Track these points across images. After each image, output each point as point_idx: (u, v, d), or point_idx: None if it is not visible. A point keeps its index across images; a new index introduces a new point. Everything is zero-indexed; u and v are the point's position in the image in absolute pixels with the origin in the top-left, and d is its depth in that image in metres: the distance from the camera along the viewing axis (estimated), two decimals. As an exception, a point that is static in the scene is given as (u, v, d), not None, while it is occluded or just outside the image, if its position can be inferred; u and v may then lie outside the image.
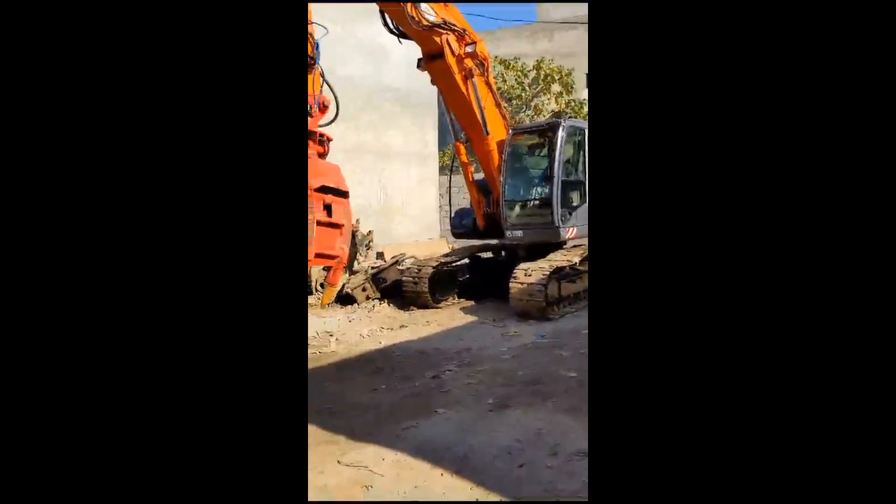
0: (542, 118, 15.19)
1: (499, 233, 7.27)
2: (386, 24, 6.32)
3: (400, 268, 7.98)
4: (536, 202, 6.88)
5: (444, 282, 7.44)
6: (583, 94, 17.46)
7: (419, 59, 6.75)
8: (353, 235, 9.85)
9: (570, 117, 7.06)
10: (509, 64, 17.18)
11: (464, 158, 7.36)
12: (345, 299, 7.65)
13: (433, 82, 6.83)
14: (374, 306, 7.35)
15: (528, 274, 6.20)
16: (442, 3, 6.25)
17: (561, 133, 6.61)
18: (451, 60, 6.40)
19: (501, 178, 7.00)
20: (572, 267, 6.72)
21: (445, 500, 2.58)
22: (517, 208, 7.06)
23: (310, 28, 3.51)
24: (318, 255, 3.33)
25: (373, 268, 8.25)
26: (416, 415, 3.58)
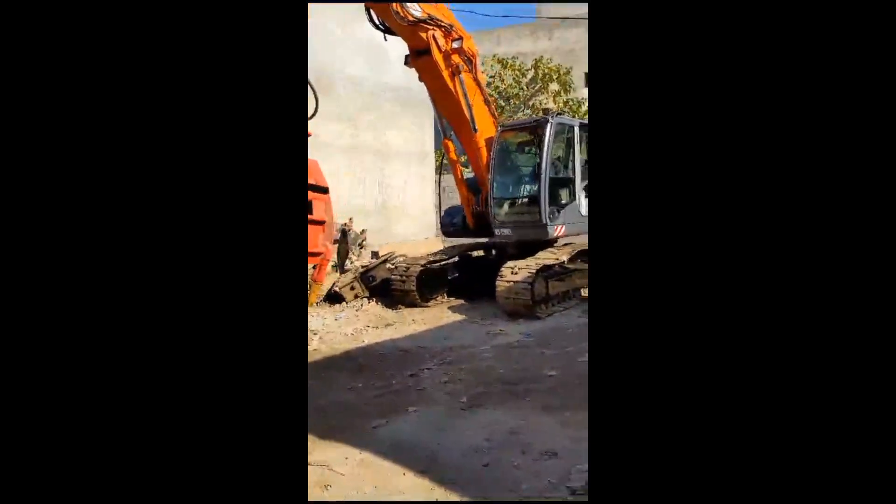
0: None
1: (488, 231, 7.21)
2: (371, 21, 6.28)
3: (389, 266, 7.92)
4: (525, 200, 6.82)
5: (432, 280, 7.38)
6: (581, 92, 17.37)
7: (406, 56, 6.70)
8: (346, 234, 9.81)
9: (558, 114, 6.99)
10: (507, 63, 17.10)
11: (453, 156, 7.31)
12: (333, 298, 7.60)
13: (420, 79, 6.77)
14: (361, 305, 7.30)
15: (515, 272, 6.14)
16: (432, 3, 6.20)
17: (549, 130, 6.54)
18: (437, 56, 6.34)
19: (490, 176, 6.93)
20: (561, 265, 6.65)
21: (407, 500, 2.52)
22: (505, 206, 7.00)
23: None
24: None
25: (363, 267, 8.19)
26: (388, 413, 3.52)
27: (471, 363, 4.61)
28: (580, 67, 17.32)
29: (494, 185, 6.96)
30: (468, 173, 7.72)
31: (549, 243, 7.16)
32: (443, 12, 6.43)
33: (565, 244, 7.30)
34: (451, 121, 7.03)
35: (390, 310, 7.10)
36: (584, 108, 15.92)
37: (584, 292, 7.11)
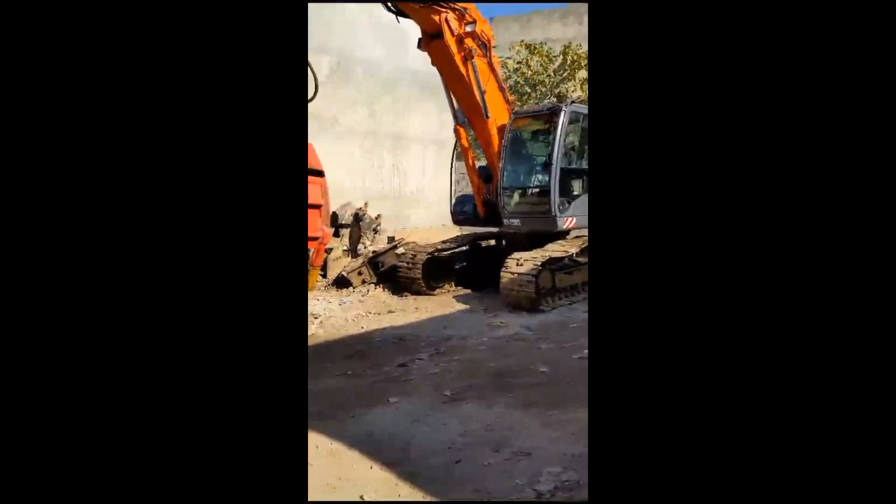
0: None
1: (499, 221, 7.08)
2: (384, 3, 6.16)
3: (398, 252, 7.88)
4: (535, 190, 6.66)
5: (440, 268, 7.32)
6: (610, 80, 16.88)
7: (419, 39, 6.57)
8: (359, 219, 9.81)
9: (573, 102, 6.78)
10: (535, 48, 16.74)
11: (465, 143, 7.17)
12: (341, 282, 7.61)
13: (433, 63, 6.64)
14: (368, 290, 7.29)
15: (520, 264, 6.02)
16: None
17: (562, 118, 6.35)
18: (449, 40, 6.20)
19: (500, 164, 6.79)
20: (570, 258, 6.50)
21: (365, 496, 2.47)
22: (516, 196, 6.86)
23: None
24: None
25: (374, 252, 8.17)
26: (371, 403, 3.49)
27: (464, 355, 4.54)
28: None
29: (505, 173, 6.82)
30: (483, 161, 7.58)
31: (560, 235, 7.00)
32: (457, -6, 6.27)
33: (577, 236, 7.13)
34: (463, 106, 6.90)
35: (396, 296, 7.07)
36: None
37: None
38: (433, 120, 13.26)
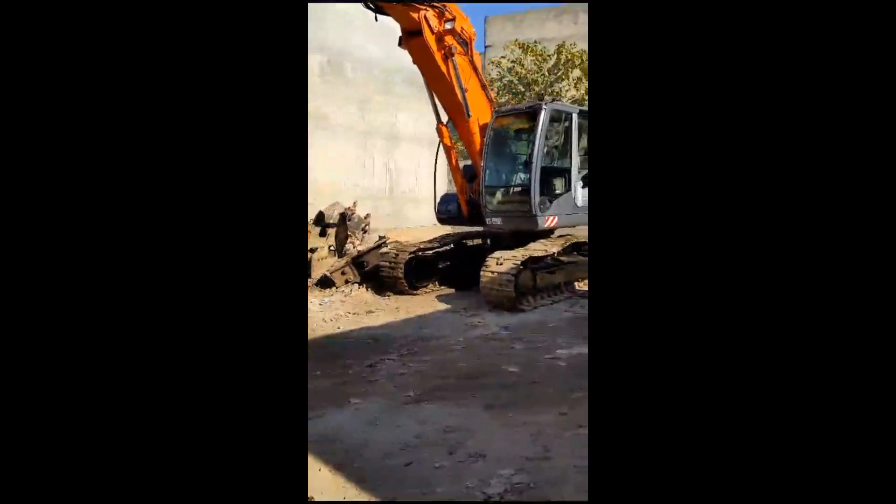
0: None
1: (482, 220, 7.03)
2: (363, 0, 6.11)
3: (382, 252, 7.82)
4: (516, 189, 6.61)
5: (424, 268, 7.27)
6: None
7: (399, 37, 6.53)
8: (345, 219, 9.77)
9: (553, 100, 6.73)
10: (528, 47, 16.69)
11: (447, 142, 7.13)
12: (325, 282, 7.56)
13: (414, 61, 6.60)
14: (351, 290, 7.24)
15: (500, 263, 5.96)
16: None
17: (543, 116, 6.29)
18: (429, 38, 6.16)
19: (482, 163, 6.74)
20: (552, 257, 6.45)
21: (311, 498, 2.43)
22: (498, 195, 6.81)
23: None
24: None
25: (358, 252, 8.12)
26: (330, 405, 3.44)
27: (436, 355, 4.49)
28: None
29: (487, 172, 6.77)
30: (467, 160, 7.53)
31: (544, 234, 6.95)
32: (436, -9, 6.22)
33: (560, 235, 7.07)
34: (445, 105, 6.85)
35: (379, 296, 7.02)
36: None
37: (578, 285, 6.89)
38: (427, 118, 13.19)
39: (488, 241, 7.64)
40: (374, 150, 12.84)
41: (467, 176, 7.28)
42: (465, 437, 2.94)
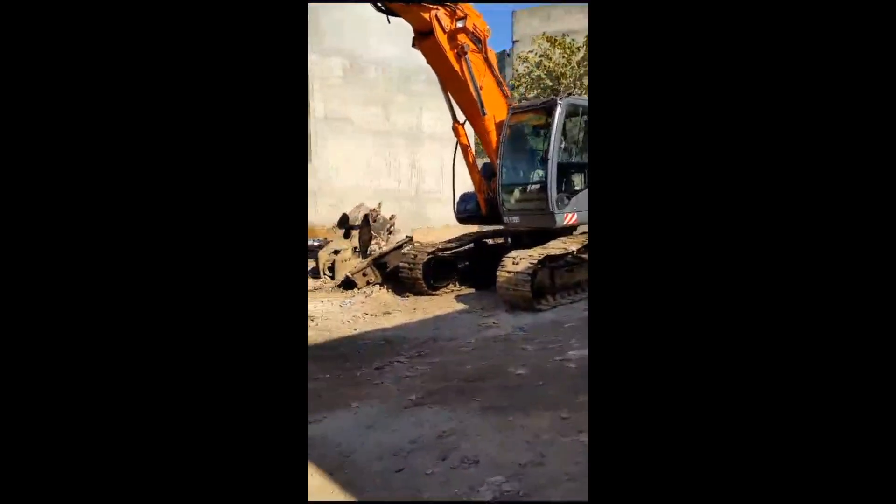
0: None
1: (501, 218, 6.96)
2: (374, 3, 6.13)
3: (403, 252, 7.84)
4: (534, 186, 6.50)
5: (443, 268, 7.25)
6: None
7: (413, 38, 6.51)
8: (372, 219, 9.83)
9: (569, 94, 6.58)
10: (556, 41, 16.41)
11: (464, 141, 7.08)
12: (347, 284, 7.64)
13: (427, 62, 6.58)
14: (372, 292, 7.29)
15: (516, 262, 5.88)
16: None
17: (558, 112, 6.17)
18: (441, 37, 6.12)
19: (499, 161, 6.66)
20: (571, 255, 6.31)
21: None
22: (516, 192, 6.71)
23: None
24: None
25: (379, 252, 8.17)
26: (332, 407, 3.46)
27: (444, 356, 4.47)
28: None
29: (503, 170, 6.69)
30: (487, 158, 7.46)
31: (564, 232, 6.81)
32: (446, -12, 6.17)
33: (582, 233, 6.92)
34: (460, 104, 6.80)
35: (398, 297, 7.05)
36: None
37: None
38: (448, 116, 13.20)
39: (509, 239, 7.56)
40: (398, 150, 12.89)
41: (486, 174, 7.22)
42: (460, 442, 2.90)
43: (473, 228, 8.21)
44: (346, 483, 2.56)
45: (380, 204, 11.01)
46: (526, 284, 5.72)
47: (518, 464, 2.64)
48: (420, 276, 6.81)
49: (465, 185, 7.66)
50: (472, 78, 6.34)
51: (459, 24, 6.14)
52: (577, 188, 6.51)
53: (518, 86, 16.55)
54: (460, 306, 6.44)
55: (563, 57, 16.49)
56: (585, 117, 6.58)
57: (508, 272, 5.88)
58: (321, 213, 11.61)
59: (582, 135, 6.66)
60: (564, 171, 6.36)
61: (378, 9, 6.14)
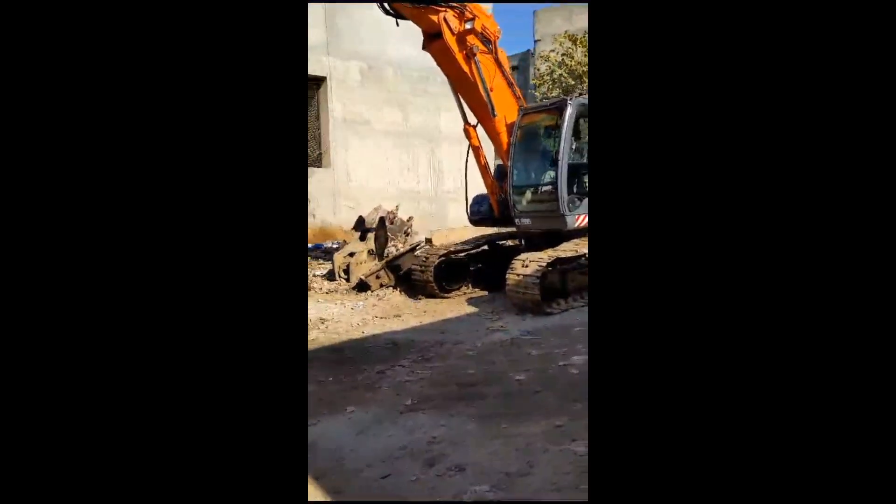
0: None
1: (512, 220, 6.90)
2: (382, 6, 6.15)
3: (416, 254, 7.85)
4: (545, 188, 6.42)
5: (456, 270, 7.23)
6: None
7: (423, 41, 6.51)
8: (390, 222, 9.86)
9: (580, 94, 6.48)
10: (577, 39, 16.21)
11: (475, 142, 7.04)
12: (361, 286, 7.68)
13: (437, 64, 6.56)
14: (385, 294, 7.31)
15: (526, 265, 5.82)
16: None
17: (569, 112, 6.08)
18: (449, 39, 6.10)
19: (510, 162, 6.61)
20: (585, 258, 6.21)
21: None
22: (527, 194, 6.64)
23: None
24: None
25: (392, 255, 8.19)
26: (329, 412, 3.47)
27: (447, 361, 4.45)
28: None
29: (514, 172, 6.63)
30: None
31: (578, 234, 6.71)
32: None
33: (596, 234, 6.80)
34: (470, 106, 6.77)
35: (411, 300, 7.05)
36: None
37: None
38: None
39: (522, 241, 7.48)
40: (417, 151, 12.90)
41: (499, 176, 7.17)
42: (450, 449, 2.88)
43: (489, 231, 8.18)
44: (331, 489, 2.56)
45: (397, 206, 11.04)
46: (535, 287, 5.65)
47: (505, 473, 2.60)
48: (431, 278, 6.80)
49: (479, 187, 7.63)
50: (482, 79, 6.31)
51: (468, 26, 6.11)
52: (588, 190, 6.41)
53: (540, 85, 16.41)
54: (471, 309, 6.41)
55: (586, 55, 16.27)
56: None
57: (518, 275, 5.82)
58: (340, 215, 11.71)
59: (595, 135, 6.55)
60: (576, 172, 6.26)
61: (386, 11, 6.16)
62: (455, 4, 6.05)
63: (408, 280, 7.48)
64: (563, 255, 5.96)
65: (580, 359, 4.28)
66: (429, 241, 10.83)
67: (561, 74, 16.47)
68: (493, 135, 6.79)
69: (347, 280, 8.35)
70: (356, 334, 5.57)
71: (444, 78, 12.72)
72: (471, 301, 6.81)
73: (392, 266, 7.79)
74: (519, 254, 6.73)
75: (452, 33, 6.09)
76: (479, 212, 7.50)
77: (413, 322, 5.94)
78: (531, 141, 6.77)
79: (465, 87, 6.58)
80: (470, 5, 6.17)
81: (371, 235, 9.42)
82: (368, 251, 8.86)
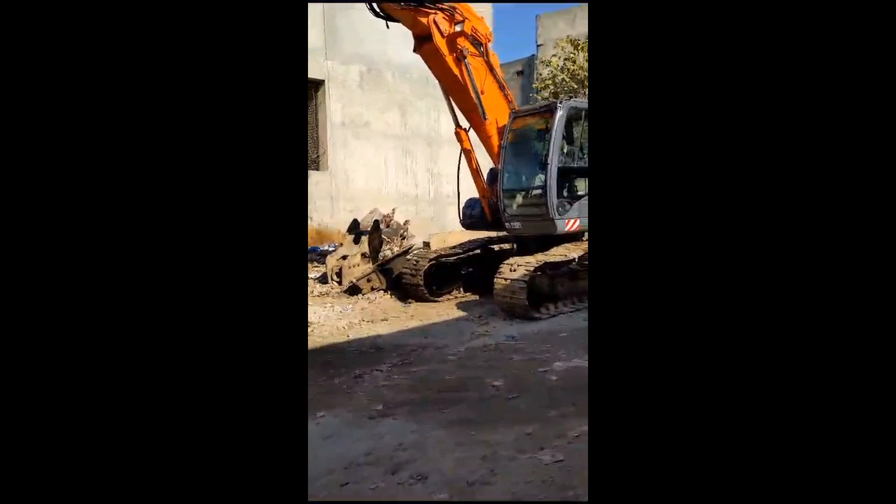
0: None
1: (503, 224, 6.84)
2: (371, 8, 6.12)
3: (407, 258, 7.80)
4: (535, 191, 6.36)
5: (447, 274, 7.17)
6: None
7: (414, 44, 6.48)
8: (385, 225, 9.82)
9: (570, 97, 6.42)
10: (579, 44, 16.15)
11: (467, 146, 7.00)
12: (352, 290, 7.64)
13: (428, 66, 6.53)
14: (376, 298, 7.26)
15: (514, 269, 5.75)
16: None
17: (558, 115, 6.02)
18: (439, 42, 6.06)
19: (500, 166, 6.55)
20: (574, 262, 6.14)
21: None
22: (517, 198, 6.59)
23: None
24: None
25: (383, 258, 8.15)
26: (299, 416, 3.42)
27: (427, 366, 4.38)
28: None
29: (505, 175, 6.57)
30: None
31: (569, 238, 6.64)
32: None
33: (587, 239, 6.73)
34: (461, 108, 6.73)
35: (401, 303, 7.00)
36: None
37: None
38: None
39: (515, 245, 7.42)
40: (416, 154, 12.89)
41: (491, 179, 7.12)
42: (414, 456, 2.81)
43: (485, 234, 8.13)
44: (288, 496, 2.50)
45: (393, 210, 11.02)
46: (522, 292, 5.58)
47: (466, 482, 2.53)
48: (421, 282, 6.75)
49: (471, 191, 7.58)
50: (473, 82, 6.26)
51: (458, 28, 6.08)
52: (580, 193, 6.34)
53: (542, 89, 16.36)
54: (459, 313, 6.34)
55: (587, 60, 16.22)
56: (585, 121, 6.41)
57: (505, 279, 5.76)
58: (339, 217, 11.70)
59: (585, 139, 6.48)
60: (566, 175, 6.20)
61: (376, 13, 6.14)
62: (445, 6, 6.01)
63: (399, 284, 7.43)
64: (551, 259, 5.89)
65: (561, 365, 4.22)
66: (426, 244, 10.78)
67: (563, 79, 16.42)
68: (484, 138, 6.74)
69: (340, 283, 8.31)
70: (340, 338, 5.52)
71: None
72: (460, 305, 6.75)
73: (384, 269, 7.75)
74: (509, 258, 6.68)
75: (442, 36, 6.06)
76: (472, 215, 7.45)
77: (399, 326, 5.88)
78: (522, 144, 6.72)
79: (455, 90, 6.54)
80: (460, 6, 6.14)
81: (365, 238, 9.40)
82: (362, 254, 8.83)
